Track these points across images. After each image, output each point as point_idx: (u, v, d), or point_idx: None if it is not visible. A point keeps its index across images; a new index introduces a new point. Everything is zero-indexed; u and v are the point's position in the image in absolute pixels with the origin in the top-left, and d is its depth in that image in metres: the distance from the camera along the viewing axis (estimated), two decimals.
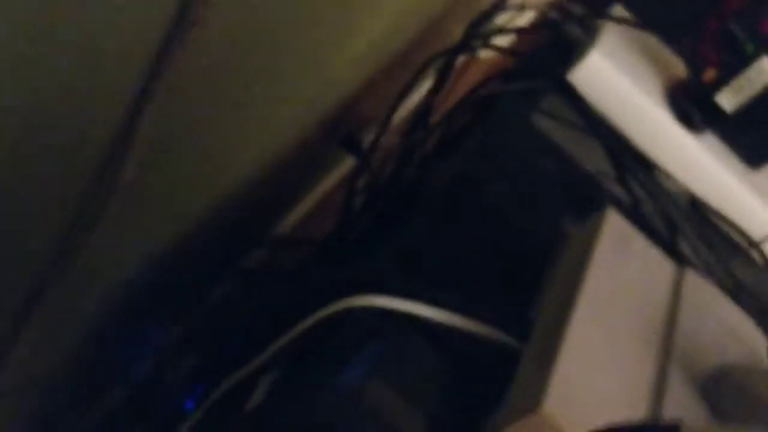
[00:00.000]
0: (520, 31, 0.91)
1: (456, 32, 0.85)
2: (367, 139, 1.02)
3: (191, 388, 0.91)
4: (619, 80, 0.74)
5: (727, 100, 0.74)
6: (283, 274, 0.77)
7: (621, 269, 0.54)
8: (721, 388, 0.51)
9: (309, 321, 0.51)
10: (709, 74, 0.75)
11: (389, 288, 0.51)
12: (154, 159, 0.40)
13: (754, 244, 0.75)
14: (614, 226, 0.57)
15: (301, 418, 0.49)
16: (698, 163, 0.77)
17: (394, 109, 0.89)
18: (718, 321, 0.57)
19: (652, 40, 0.83)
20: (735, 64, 0.73)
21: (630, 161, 0.73)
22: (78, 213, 0.40)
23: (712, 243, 0.73)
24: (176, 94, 0.40)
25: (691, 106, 0.76)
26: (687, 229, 0.72)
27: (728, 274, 0.68)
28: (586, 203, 0.71)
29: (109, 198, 0.39)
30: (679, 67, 0.80)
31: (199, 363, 0.82)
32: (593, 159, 0.75)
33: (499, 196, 0.66)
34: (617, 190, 0.72)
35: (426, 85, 0.87)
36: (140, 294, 0.71)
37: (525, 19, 0.99)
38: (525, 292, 0.59)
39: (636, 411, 0.47)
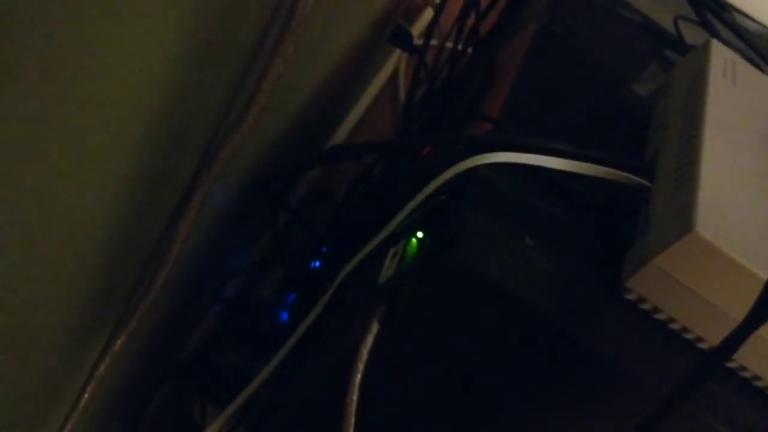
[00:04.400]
0: None
1: None
2: (416, 32, 1.00)
3: (284, 299, 0.92)
4: None
5: None
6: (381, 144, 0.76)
7: (735, 93, 0.53)
8: None
9: (433, 185, 0.50)
10: None
11: (511, 144, 0.50)
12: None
13: None
14: (720, 54, 0.55)
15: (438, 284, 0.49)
16: None
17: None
18: None
19: None
20: None
21: (709, 2, 0.71)
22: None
23: None
24: None
25: None
26: None
27: None
28: (670, 47, 0.69)
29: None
30: None
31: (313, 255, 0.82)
32: (668, 11, 0.73)
33: (585, 45, 0.65)
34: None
35: None
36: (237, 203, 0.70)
37: None
38: (625, 135, 0.58)
39: None
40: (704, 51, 0.55)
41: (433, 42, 0.91)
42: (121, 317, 0.43)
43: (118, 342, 0.42)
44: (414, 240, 0.52)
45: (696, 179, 0.46)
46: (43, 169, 0.32)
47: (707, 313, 0.45)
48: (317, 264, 0.89)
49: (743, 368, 0.48)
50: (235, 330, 0.88)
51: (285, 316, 0.90)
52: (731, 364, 0.48)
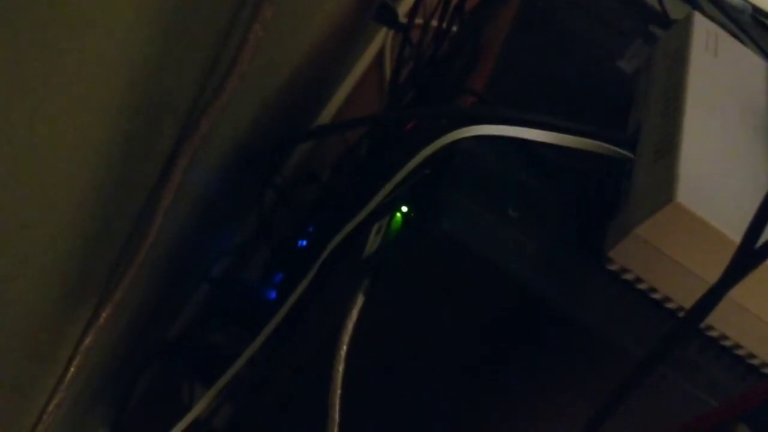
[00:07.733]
0: None
1: None
2: (402, 9, 1.00)
3: (271, 278, 0.92)
4: None
5: None
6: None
7: (717, 66, 0.53)
8: None
9: (417, 158, 0.50)
10: None
11: (496, 116, 0.50)
12: None
13: None
14: (702, 27, 0.55)
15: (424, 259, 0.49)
16: None
17: None
18: None
19: None
20: None
21: None
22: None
23: None
24: None
25: None
26: (755, 36, 0.71)
27: None
28: (655, 22, 0.69)
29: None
30: None
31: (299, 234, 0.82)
32: None
33: (569, 19, 0.65)
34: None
35: None
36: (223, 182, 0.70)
37: None
38: (609, 110, 0.59)
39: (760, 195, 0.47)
40: (686, 24, 0.56)
41: (419, 20, 0.91)
42: (106, 290, 0.43)
43: (103, 315, 0.42)
44: (398, 214, 0.52)
45: (677, 150, 0.46)
46: (23, 139, 0.32)
47: (688, 281, 0.46)
48: (304, 243, 0.89)
49: (725, 337, 0.48)
50: (222, 310, 0.88)
51: (273, 295, 0.90)
52: (712, 333, 0.48)
